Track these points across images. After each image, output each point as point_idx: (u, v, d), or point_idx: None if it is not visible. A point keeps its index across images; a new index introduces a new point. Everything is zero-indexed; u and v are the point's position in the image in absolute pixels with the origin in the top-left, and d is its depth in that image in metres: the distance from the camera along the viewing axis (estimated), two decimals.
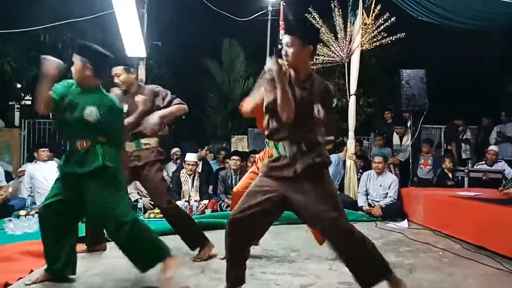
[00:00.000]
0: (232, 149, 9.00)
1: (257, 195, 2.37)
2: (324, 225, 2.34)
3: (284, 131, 2.35)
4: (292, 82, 2.37)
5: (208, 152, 6.89)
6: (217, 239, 3.63)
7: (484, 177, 6.19)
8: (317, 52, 6.61)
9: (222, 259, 3.26)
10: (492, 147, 6.88)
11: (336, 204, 2.35)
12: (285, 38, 2.35)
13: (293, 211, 2.44)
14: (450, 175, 6.51)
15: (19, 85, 9.78)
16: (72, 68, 2.83)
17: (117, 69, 3.41)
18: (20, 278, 2.92)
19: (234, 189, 3.62)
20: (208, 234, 4.47)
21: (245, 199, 2.40)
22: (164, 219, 3.64)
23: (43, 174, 5.86)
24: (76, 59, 2.80)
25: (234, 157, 6.39)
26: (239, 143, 9.89)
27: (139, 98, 3.34)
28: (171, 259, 2.79)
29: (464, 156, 7.86)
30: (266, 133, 2.47)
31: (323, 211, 2.29)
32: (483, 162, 6.76)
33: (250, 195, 2.41)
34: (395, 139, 7.52)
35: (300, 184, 2.33)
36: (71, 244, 2.87)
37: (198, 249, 3.52)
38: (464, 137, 8.07)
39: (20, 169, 6.71)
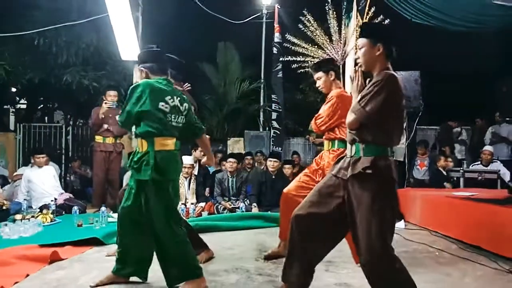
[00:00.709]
0: (228, 152, 9.01)
1: (321, 193, 2.35)
2: (367, 257, 2.18)
3: (351, 131, 2.32)
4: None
5: (202, 152, 6.88)
6: (213, 241, 3.65)
7: (480, 177, 6.22)
8: (312, 54, 6.66)
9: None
10: (487, 147, 6.93)
11: (378, 225, 2.15)
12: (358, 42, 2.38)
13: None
14: (445, 173, 6.54)
15: (14, 89, 9.75)
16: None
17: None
18: (16, 282, 2.90)
19: (285, 190, 3.56)
20: (205, 236, 4.47)
21: (310, 198, 2.38)
22: None
23: (40, 179, 5.84)
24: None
25: (231, 160, 6.40)
26: (235, 145, 9.90)
27: None
28: (202, 280, 2.77)
29: (459, 156, 7.90)
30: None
31: (363, 238, 2.16)
32: (479, 162, 6.80)
33: (315, 193, 2.38)
34: None
35: (353, 192, 2.24)
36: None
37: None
38: (459, 138, 8.12)
39: (15, 173, 6.69)
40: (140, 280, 2.90)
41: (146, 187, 2.69)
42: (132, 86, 2.75)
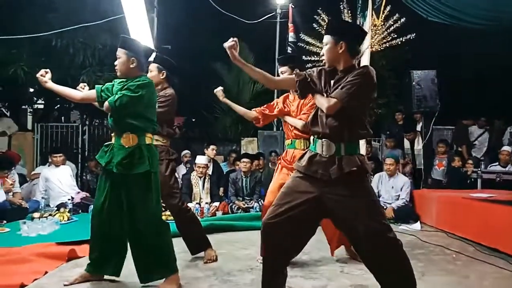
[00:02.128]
0: (242, 152, 9.02)
1: (291, 197, 2.27)
2: (369, 242, 2.18)
3: (324, 128, 2.28)
4: (326, 80, 2.35)
5: (215, 151, 6.92)
6: (228, 240, 3.66)
7: (498, 179, 6.09)
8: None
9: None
10: (506, 148, 6.79)
11: (380, 214, 2.23)
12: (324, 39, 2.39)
13: (329, 218, 2.34)
14: (463, 170, 6.45)
15: (31, 90, 9.92)
16: None
17: (152, 66, 3.44)
18: (35, 279, 2.96)
19: (265, 202, 3.48)
20: (219, 236, 4.51)
21: (278, 201, 2.30)
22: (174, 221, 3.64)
23: (57, 178, 5.95)
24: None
25: (244, 160, 6.40)
26: (249, 145, 9.89)
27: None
28: (176, 276, 2.81)
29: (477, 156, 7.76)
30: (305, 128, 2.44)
31: (366, 225, 2.16)
32: (497, 163, 6.68)
33: (284, 196, 2.30)
34: (406, 143, 7.48)
35: (335, 189, 2.22)
36: None
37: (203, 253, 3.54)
38: (479, 137, 7.98)
39: (33, 172, 6.80)
40: (115, 278, 2.92)
41: (132, 181, 2.70)
42: (137, 78, 2.75)
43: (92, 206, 5.35)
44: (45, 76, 2.91)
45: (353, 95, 2.20)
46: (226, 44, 2.28)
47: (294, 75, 2.41)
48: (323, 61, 2.39)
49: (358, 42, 2.39)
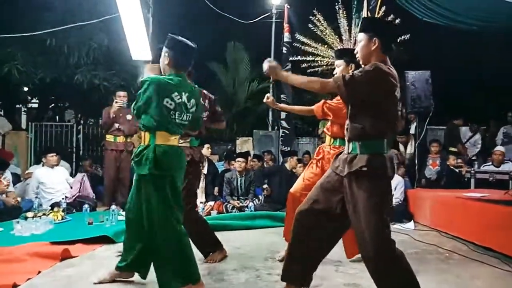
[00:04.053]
0: (237, 151, 9.02)
1: (321, 190, 2.41)
2: (369, 253, 2.23)
3: (347, 128, 2.39)
4: None
5: (209, 149, 6.93)
6: (222, 240, 3.64)
7: (491, 178, 6.15)
8: (322, 54, 6.64)
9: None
10: (499, 148, 6.84)
11: (377, 222, 2.21)
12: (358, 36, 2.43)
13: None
14: (458, 170, 6.48)
15: (26, 89, 9.87)
16: None
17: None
18: (29, 279, 2.94)
19: (292, 190, 3.54)
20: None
21: (312, 195, 2.43)
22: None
23: (50, 179, 5.90)
24: None
25: (239, 159, 6.40)
26: (244, 145, 9.90)
27: None
28: (200, 285, 2.69)
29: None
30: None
31: (365, 235, 2.21)
32: (490, 163, 6.72)
33: (316, 190, 2.44)
34: (399, 145, 7.55)
35: (350, 189, 2.29)
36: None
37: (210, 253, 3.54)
38: (471, 139, 8.04)
39: (27, 172, 6.77)
40: (143, 280, 2.89)
41: (145, 182, 2.64)
42: (142, 80, 2.72)
43: (86, 205, 5.42)
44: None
45: (352, 81, 2.20)
46: (266, 68, 2.40)
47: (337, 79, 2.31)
48: (358, 59, 2.41)
49: (391, 39, 2.42)
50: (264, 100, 3.68)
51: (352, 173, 2.27)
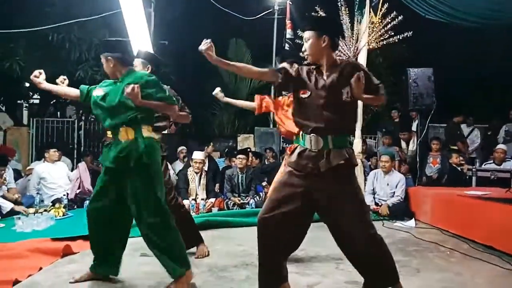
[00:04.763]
0: (239, 148, 9.03)
1: (283, 192, 2.31)
2: (355, 244, 2.27)
3: (311, 123, 2.31)
4: (315, 76, 2.35)
5: (212, 147, 6.94)
6: (223, 237, 3.67)
7: (492, 176, 6.12)
8: None
9: None
10: (501, 146, 6.82)
11: (365, 213, 2.30)
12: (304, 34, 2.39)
13: (317, 213, 2.37)
14: (460, 169, 6.47)
15: (27, 84, 9.87)
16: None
17: (136, 61, 3.41)
18: (30, 275, 2.95)
19: (270, 190, 3.54)
20: (215, 232, 4.51)
21: (272, 197, 2.36)
22: None
23: (51, 174, 5.91)
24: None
25: (240, 156, 6.40)
26: (245, 141, 9.91)
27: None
28: (189, 272, 2.75)
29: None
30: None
31: (353, 227, 2.23)
32: (491, 161, 6.71)
33: (276, 192, 2.35)
34: (401, 142, 7.53)
35: (324, 184, 2.25)
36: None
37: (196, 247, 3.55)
38: (469, 135, 8.03)
39: (28, 167, 6.78)
40: (116, 277, 2.89)
41: (133, 176, 2.66)
42: (155, 78, 2.78)
43: (87, 201, 5.42)
44: (39, 77, 2.91)
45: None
46: (202, 47, 2.26)
47: (274, 70, 2.42)
48: (306, 57, 2.39)
49: (338, 36, 2.46)
50: (214, 93, 3.81)
51: (332, 169, 2.23)
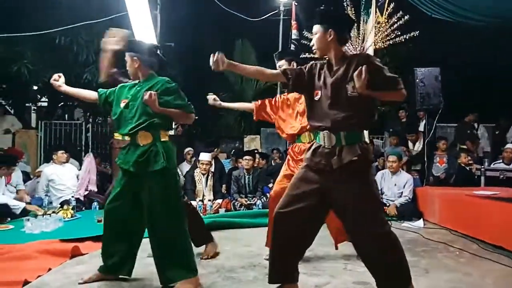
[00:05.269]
0: (245, 149, 9.03)
1: (299, 188, 2.31)
2: (368, 243, 2.23)
3: (322, 123, 2.30)
4: (325, 72, 2.35)
5: (219, 150, 6.97)
6: (230, 238, 3.66)
7: (501, 176, 6.08)
8: None
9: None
10: (510, 146, 6.76)
11: (378, 211, 2.26)
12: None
13: (332, 210, 2.35)
14: (468, 168, 6.43)
15: (35, 87, 9.95)
16: None
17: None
18: (39, 276, 2.97)
19: (272, 192, 3.50)
20: (222, 233, 4.51)
21: (288, 192, 2.35)
22: None
23: (60, 176, 5.94)
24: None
25: (247, 157, 6.40)
26: (252, 142, 9.91)
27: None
28: (197, 279, 2.75)
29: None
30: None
31: (366, 225, 2.20)
32: (500, 160, 6.65)
33: (294, 187, 2.35)
34: (408, 142, 7.51)
35: (339, 181, 2.23)
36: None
37: (204, 247, 3.55)
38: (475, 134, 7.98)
39: (37, 170, 6.84)
40: (129, 278, 2.90)
41: (150, 179, 2.68)
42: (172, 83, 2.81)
43: (95, 203, 5.46)
44: (58, 80, 2.95)
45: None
46: (213, 66, 2.37)
47: (284, 70, 2.44)
48: (314, 51, 2.40)
49: (346, 30, 2.44)
50: (209, 101, 3.65)
51: (345, 165, 2.20)
